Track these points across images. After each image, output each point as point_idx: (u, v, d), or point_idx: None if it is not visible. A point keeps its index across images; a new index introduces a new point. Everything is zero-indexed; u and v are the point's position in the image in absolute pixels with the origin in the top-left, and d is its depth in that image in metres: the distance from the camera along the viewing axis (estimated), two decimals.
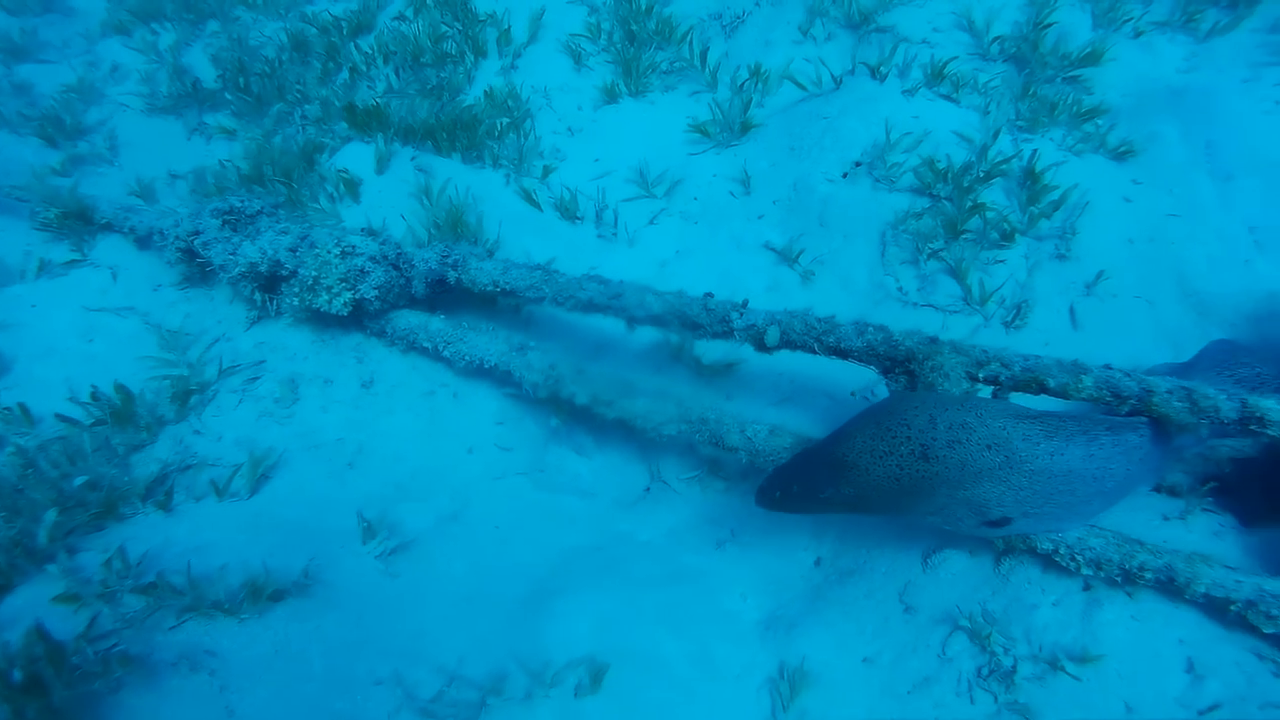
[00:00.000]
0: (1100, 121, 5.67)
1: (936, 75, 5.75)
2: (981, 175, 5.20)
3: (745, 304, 4.41)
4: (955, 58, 5.86)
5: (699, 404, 4.54)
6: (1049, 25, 6.01)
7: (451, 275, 4.77)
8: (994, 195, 5.31)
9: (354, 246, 4.77)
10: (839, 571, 4.71)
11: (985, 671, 4.15)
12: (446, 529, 4.61)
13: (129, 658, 3.71)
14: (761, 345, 4.36)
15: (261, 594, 3.96)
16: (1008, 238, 5.17)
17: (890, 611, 4.49)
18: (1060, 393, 4.01)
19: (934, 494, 3.73)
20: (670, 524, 4.90)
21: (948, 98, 5.75)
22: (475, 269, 4.73)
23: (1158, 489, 4.63)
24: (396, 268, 4.80)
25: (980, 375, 4.10)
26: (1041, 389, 4.04)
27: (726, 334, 4.42)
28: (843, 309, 5.27)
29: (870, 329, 4.22)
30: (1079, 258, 5.29)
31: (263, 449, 4.65)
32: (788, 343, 4.33)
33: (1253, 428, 3.80)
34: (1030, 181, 5.27)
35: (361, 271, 4.73)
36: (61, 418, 4.50)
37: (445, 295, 5.03)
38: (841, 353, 4.28)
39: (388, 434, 4.92)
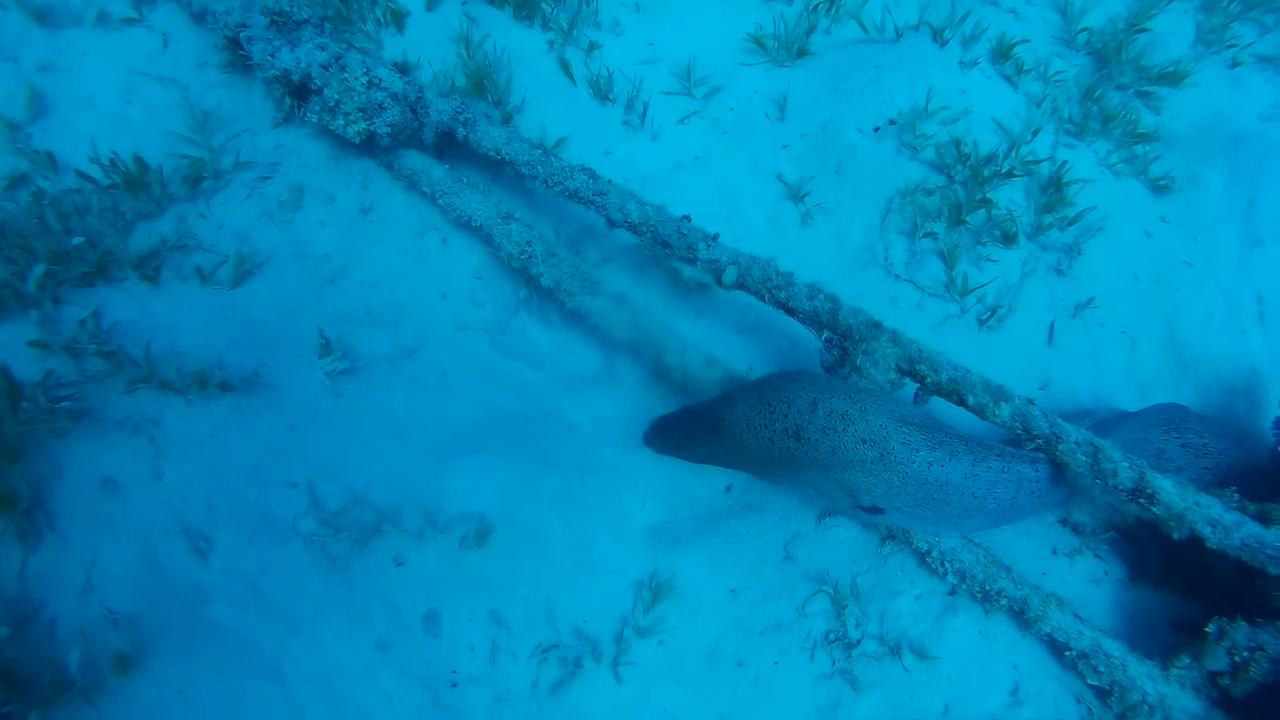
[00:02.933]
0: (1151, 147, 5.34)
1: (1002, 53, 5.43)
2: (1003, 170, 4.99)
3: (715, 237, 4.40)
4: (1026, 40, 5.51)
5: (651, 319, 4.60)
6: (1143, 29, 5.59)
7: (460, 132, 4.79)
8: (1013, 193, 5.12)
9: (380, 79, 4.78)
10: (743, 504, 4.84)
11: (833, 637, 4.32)
12: (398, 363, 4.80)
13: (78, 411, 4.07)
14: (719, 280, 4.37)
15: (209, 383, 4.23)
16: (1009, 239, 5.01)
17: (771, 555, 4.64)
18: (976, 411, 4.00)
19: (804, 470, 3.80)
20: (606, 414, 5.02)
21: (1006, 79, 5.45)
22: (482, 132, 4.74)
23: (1063, 522, 4.63)
24: (413, 111, 4.82)
25: (909, 370, 4.08)
26: (960, 402, 4.03)
27: (690, 261, 4.43)
28: (829, 260, 5.23)
29: (821, 296, 4.20)
30: (1077, 277, 5.12)
31: (254, 246, 4.84)
32: (742, 286, 4.33)
33: (1141, 501, 3.77)
34: (1053, 189, 5.05)
35: (380, 106, 4.76)
36: (81, 174, 4.70)
37: (454, 148, 5.05)
38: (789, 310, 4.28)
39: (372, 261, 5.06)
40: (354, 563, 4.25)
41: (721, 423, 3.84)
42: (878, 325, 4.12)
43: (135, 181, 4.73)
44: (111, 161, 4.69)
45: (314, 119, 4.89)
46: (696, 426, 3.90)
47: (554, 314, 5.21)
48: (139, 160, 4.74)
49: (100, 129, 5.05)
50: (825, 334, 4.17)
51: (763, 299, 4.31)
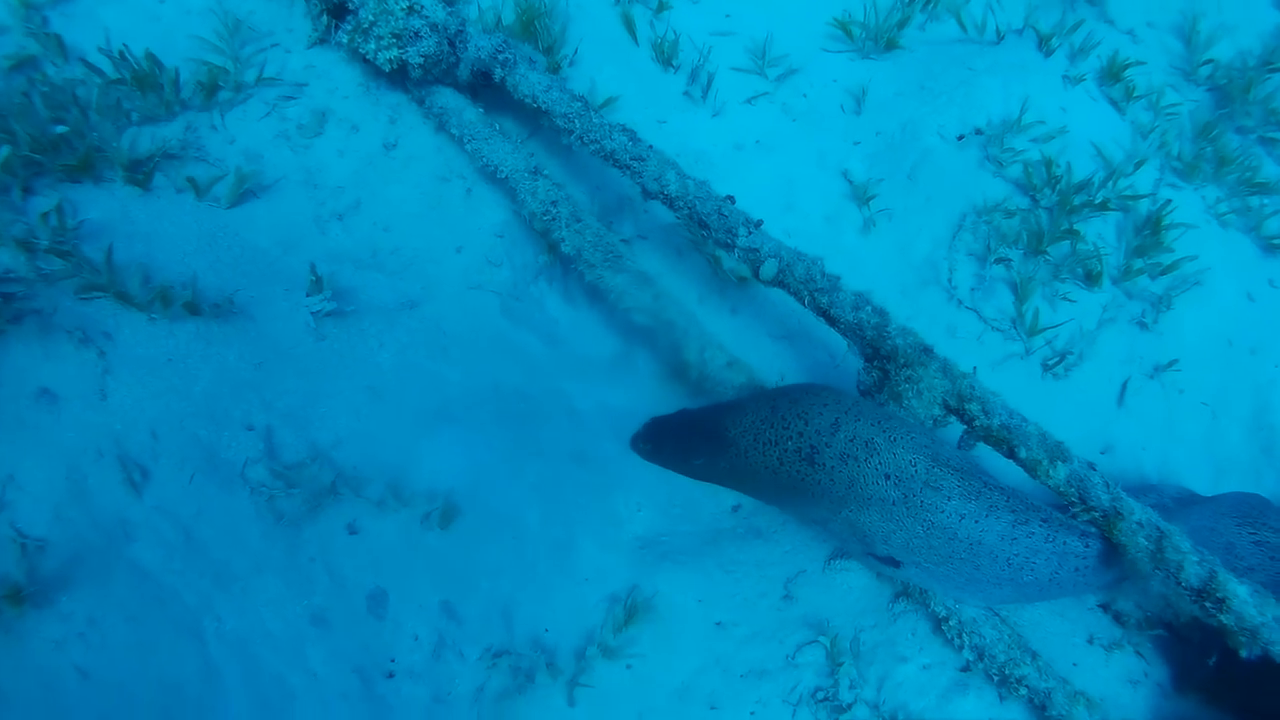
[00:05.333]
0: (1270, 200, 4.61)
1: (1112, 74, 4.73)
2: (1096, 201, 4.30)
3: (759, 224, 3.79)
4: (1140, 63, 4.79)
5: (675, 306, 4.02)
6: (1278, 69, 4.85)
7: (498, 73, 4.25)
8: (1103, 228, 4.43)
9: (422, 6, 4.26)
10: (749, 527, 4.24)
11: (821, 695, 3.70)
12: (395, 315, 4.27)
13: (24, 311, 3.61)
14: (756, 274, 3.77)
15: (173, 301, 3.74)
16: (1092, 279, 4.32)
17: (770, 591, 4.03)
18: (1027, 467, 3.35)
19: (813, 502, 3.18)
20: (614, 404, 4.43)
21: (1113, 103, 4.75)
22: (521, 76, 4.19)
23: (1105, 607, 3.95)
24: (451, 44, 4.29)
25: (957, 408, 3.44)
26: (1010, 454, 3.37)
27: (728, 247, 3.82)
28: (886, 272, 4.60)
29: (869, 308, 3.57)
30: (1161, 334, 4.42)
31: (262, 167, 4.36)
32: (782, 283, 3.72)
33: (1208, 605, 3.09)
34: (1149, 231, 4.35)
35: (416, 34, 4.24)
36: (87, 64, 4.26)
37: (490, 91, 4.52)
38: (830, 318, 3.66)
39: (387, 201, 4.53)
40: (303, 523, 3.74)
41: (724, 432, 3.23)
42: (928, 351, 3.48)
43: (145, 80, 4.27)
44: (121, 55, 4.24)
45: (345, 39, 4.39)
46: (695, 434, 3.29)
47: (576, 288, 4.63)
48: (152, 58, 4.26)
49: (125, 22, 4.58)
50: (866, 350, 3.55)
51: (802, 301, 3.70)
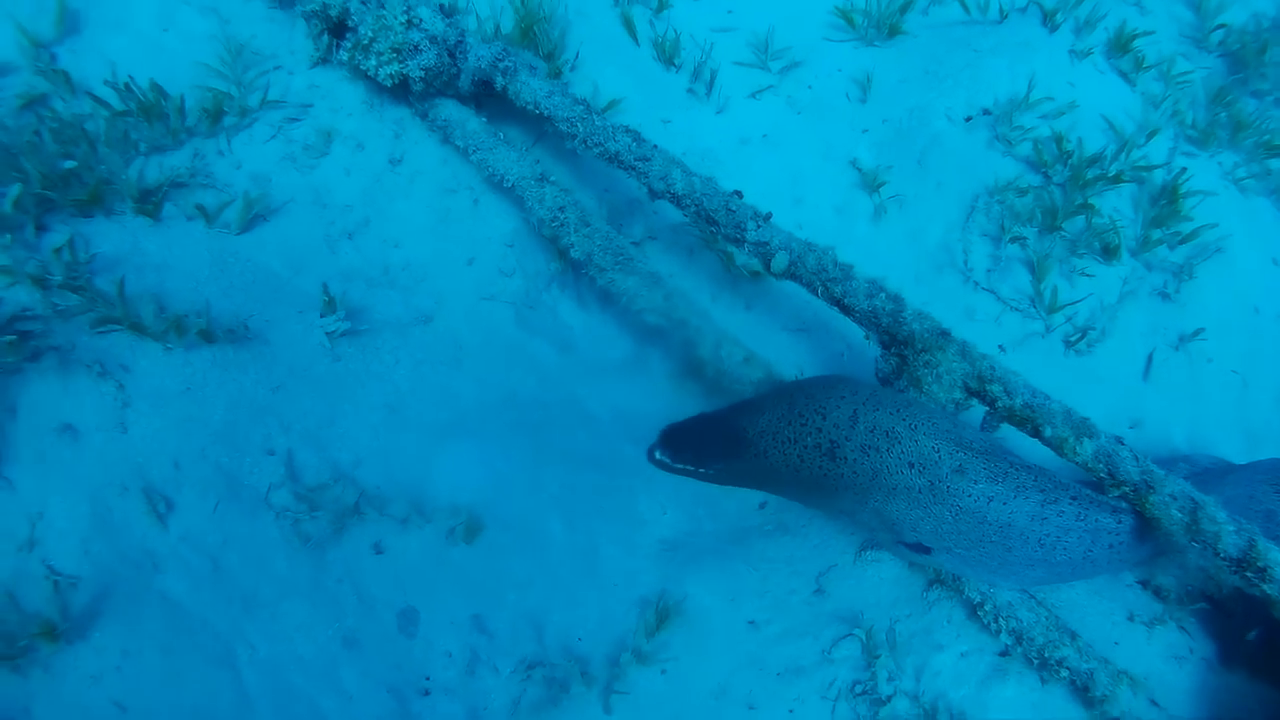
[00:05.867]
0: None
1: (1120, 46, 4.64)
2: (1110, 174, 4.21)
3: (768, 217, 3.74)
4: (1150, 33, 4.70)
5: (687, 304, 3.97)
6: None
7: (499, 81, 4.22)
8: (1118, 202, 4.34)
9: (421, 20, 4.24)
10: (776, 524, 4.18)
11: (859, 689, 3.64)
12: (409, 330, 4.25)
13: (42, 348, 3.61)
14: (767, 267, 3.72)
15: (187, 330, 3.73)
16: (1110, 253, 4.23)
17: (800, 586, 3.98)
18: (1053, 445, 3.27)
19: (838, 496, 3.12)
20: (631, 408, 4.38)
21: (1123, 75, 4.66)
22: (522, 83, 4.16)
23: (1144, 584, 3.87)
24: (451, 56, 4.26)
25: (977, 390, 3.37)
26: (1035, 434, 3.30)
27: (738, 241, 3.77)
28: (900, 259, 4.53)
29: (883, 295, 3.51)
30: (1185, 304, 4.33)
31: (270, 190, 4.35)
32: (793, 275, 3.67)
33: (1249, 575, 3.01)
34: (1166, 201, 4.26)
35: (415, 48, 4.22)
36: (94, 98, 4.27)
37: (494, 100, 4.49)
38: (844, 308, 3.60)
39: (396, 217, 4.51)
40: (328, 545, 3.72)
41: (742, 434, 3.15)
42: (945, 334, 3.42)
43: (151, 110, 4.27)
44: (126, 86, 4.24)
45: (345, 57, 4.38)
46: (713, 439, 3.23)
47: (589, 294, 4.59)
48: (157, 88, 4.27)
49: (131, 54, 4.58)
50: (883, 336, 3.49)
51: (815, 292, 3.64)
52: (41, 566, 3.40)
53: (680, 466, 3.23)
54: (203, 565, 3.57)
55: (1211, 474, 3.80)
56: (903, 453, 3.00)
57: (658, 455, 3.24)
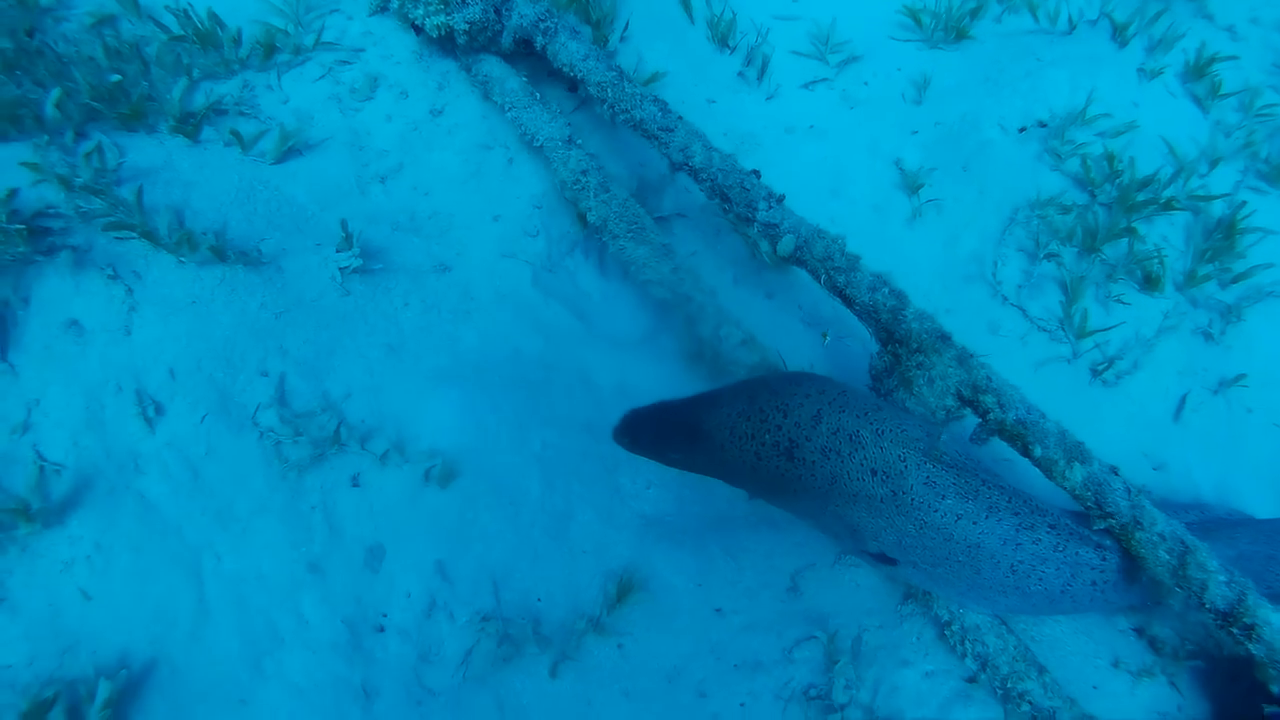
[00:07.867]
0: None
1: (1197, 69, 4.35)
2: (1161, 200, 3.95)
3: (781, 199, 3.62)
4: (1234, 58, 4.40)
5: (694, 280, 3.88)
6: None
7: (539, 41, 4.19)
8: (1169, 231, 4.07)
9: None
10: (762, 517, 4.04)
11: (814, 693, 3.49)
12: (424, 277, 4.25)
13: (59, 245, 3.73)
14: (774, 250, 3.60)
15: (199, 245, 3.81)
16: (1151, 283, 3.97)
17: (775, 582, 3.83)
18: (1043, 467, 3.06)
19: (796, 498, 2.96)
20: (635, 381, 4.29)
21: (1195, 100, 4.37)
22: (560, 44, 4.12)
23: (1139, 631, 3.61)
24: (497, 11, 4.26)
25: (970, 399, 3.19)
26: (1025, 452, 3.09)
27: (748, 221, 3.66)
28: (929, 264, 4.35)
29: (886, 289, 3.35)
30: (1230, 347, 4.03)
31: (310, 126, 4.42)
32: (799, 260, 3.54)
33: (1234, 631, 2.76)
34: (1222, 235, 3.97)
35: (463, 1, 4.25)
36: (155, 21, 4.39)
37: (535, 61, 4.47)
38: (845, 299, 3.45)
39: (430, 167, 4.53)
40: (307, 471, 3.73)
41: (699, 425, 3.02)
42: (945, 338, 3.23)
43: (207, 38, 4.39)
44: (185, 13, 4.37)
45: (395, 5, 4.44)
46: (671, 427, 3.10)
47: (612, 265, 4.54)
48: (214, 17, 4.39)
49: None
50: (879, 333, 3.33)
51: (819, 279, 3.50)
52: (30, 451, 3.51)
53: (640, 450, 3.14)
54: (183, 472, 3.63)
55: (1225, 524, 3.52)
56: (865, 459, 2.83)
57: (620, 437, 3.16)
